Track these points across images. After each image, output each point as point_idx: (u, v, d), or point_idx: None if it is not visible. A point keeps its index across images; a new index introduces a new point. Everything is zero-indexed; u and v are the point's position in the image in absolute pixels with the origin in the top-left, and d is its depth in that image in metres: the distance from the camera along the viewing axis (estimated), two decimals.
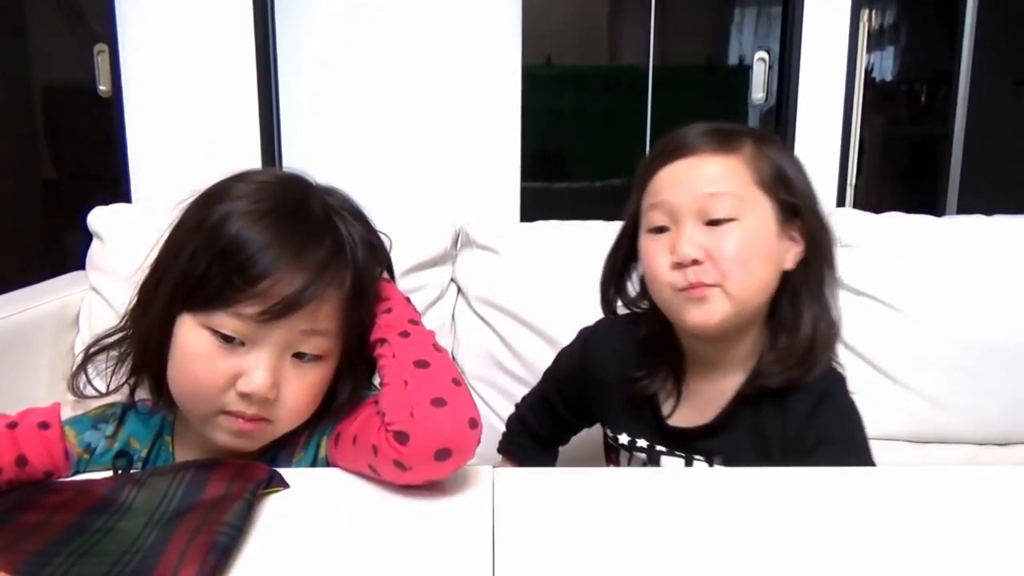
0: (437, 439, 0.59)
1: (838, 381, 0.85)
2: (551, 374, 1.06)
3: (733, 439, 0.83)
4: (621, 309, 0.95)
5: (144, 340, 0.71)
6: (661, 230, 0.82)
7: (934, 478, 0.66)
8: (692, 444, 0.86)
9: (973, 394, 1.37)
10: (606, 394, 0.94)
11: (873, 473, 0.68)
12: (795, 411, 0.81)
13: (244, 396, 0.66)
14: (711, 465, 0.85)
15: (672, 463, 0.87)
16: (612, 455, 0.96)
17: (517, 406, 1.11)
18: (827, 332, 0.84)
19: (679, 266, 0.79)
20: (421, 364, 0.65)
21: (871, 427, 1.39)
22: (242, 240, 0.65)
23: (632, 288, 0.93)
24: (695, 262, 0.78)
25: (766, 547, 0.53)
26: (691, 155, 0.82)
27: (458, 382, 0.65)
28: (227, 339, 0.66)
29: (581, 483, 0.65)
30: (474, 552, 0.52)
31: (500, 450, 1.09)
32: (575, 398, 1.00)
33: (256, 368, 0.65)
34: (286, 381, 0.67)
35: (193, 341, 0.66)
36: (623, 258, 0.91)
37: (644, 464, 0.90)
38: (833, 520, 0.58)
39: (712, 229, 0.79)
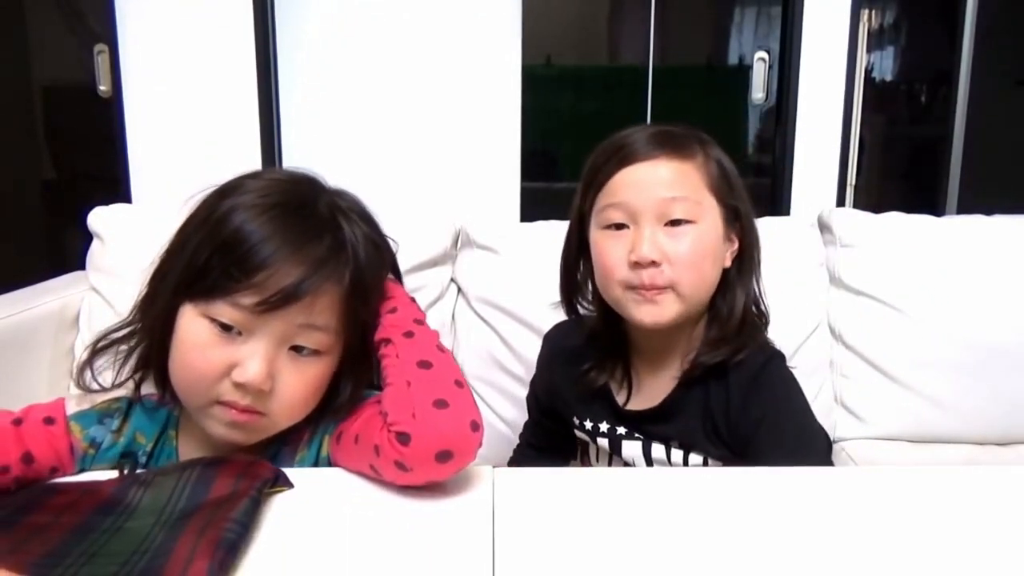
0: (438, 441, 0.59)
1: (775, 357, 0.88)
2: (531, 387, 1.08)
3: (683, 422, 0.87)
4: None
5: (151, 332, 0.71)
6: (619, 227, 0.84)
7: (934, 478, 0.66)
8: (647, 428, 0.90)
9: (973, 394, 1.37)
10: (566, 391, 0.97)
11: (872, 473, 0.68)
12: (736, 387, 0.85)
13: (239, 386, 0.66)
14: (668, 448, 0.89)
15: (632, 446, 0.91)
16: (585, 457, 1.00)
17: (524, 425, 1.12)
18: (755, 319, 0.90)
19: (637, 265, 0.82)
20: (424, 365, 0.66)
21: (872, 427, 1.41)
22: (244, 233, 0.66)
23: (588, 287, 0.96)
24: (653, 263, 0.81)
25: (766, 547, 0.53)
26: (649, 159, 0.84)
27: (460, 384, 0.65)
28: (225, 328, 0.66)
29: (581, 483, 0.65)
30: (474, 552, 0.52)
31: (509, 465, 1.10)
32: (549, 406, 1.03)
33: (251, 358, 0.65)
34: (282, 374, 0.67)
35: (192, 330, 0.67)
36: (575, 258, 0.94)
37: (608, 451, 0.93)
38: (833, 520, 0.58)
39: (670, 230, 0.82)
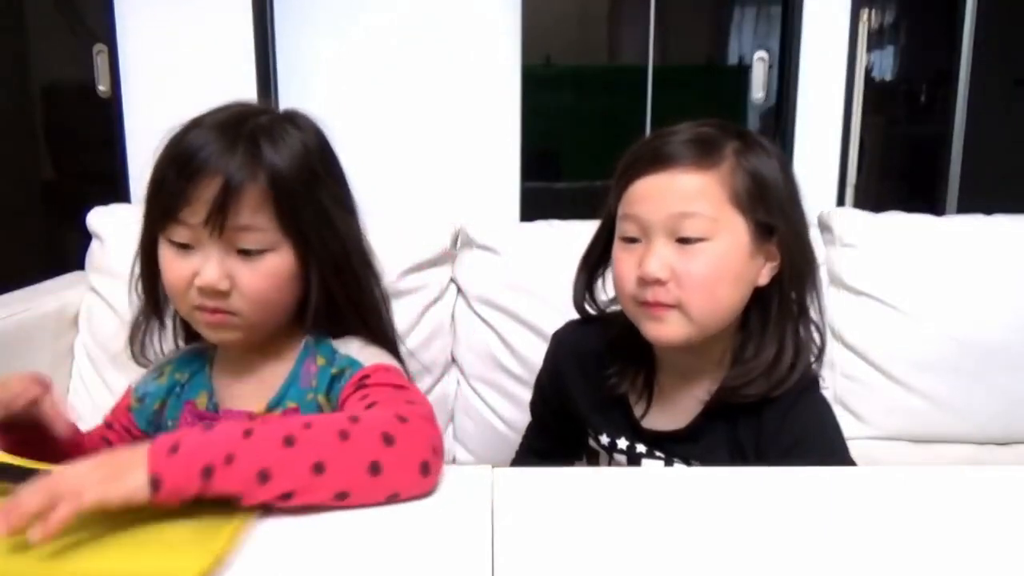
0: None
1: (811, 384, 0.84)
2: (535, 388, 1.05)
3: (709, 446, 0.84)
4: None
5: (146, 267, 0.82)
6: (632, 241, 0.82)
7: (934, 478, 0.66)
8: (668, 447, 0.87)
9: (973, 394, 1.37)
10: (580, 396, 0.94)
11: (872, 473, 0.68)
12: (769, 416, 0.81)
13: (202, 290, 0.75)
14: (689, 467, 0.86)
15: (652, 465, 0.88)
16: (592, 459, 0.97)
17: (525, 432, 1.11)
18: (802, 349, 0.83)
19: (643, 282, 0.79)
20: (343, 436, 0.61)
21: (872, 427, 1.41)
22: (185, 142, 0.75)
23: (604, 290, 0.93)
24: (658, 281, 0.78)
25: (766, 547, 0.53)
26: (669, 168, 0.79)
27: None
28: (182, 246, 0.76)
29: (581, 483, 0.65)
30: (474, 552, 0.52)
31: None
32: (559, 407, 1.00)
33: (205, 264, 0.75)
34: (237, 274, 0.75)
35: (163, 255, 0.77)
36: (597, 259, 0.91)
37: (626, 466, 0.90)
38: (834, 520, 0.58)
39: (682, 247, 0.79)
